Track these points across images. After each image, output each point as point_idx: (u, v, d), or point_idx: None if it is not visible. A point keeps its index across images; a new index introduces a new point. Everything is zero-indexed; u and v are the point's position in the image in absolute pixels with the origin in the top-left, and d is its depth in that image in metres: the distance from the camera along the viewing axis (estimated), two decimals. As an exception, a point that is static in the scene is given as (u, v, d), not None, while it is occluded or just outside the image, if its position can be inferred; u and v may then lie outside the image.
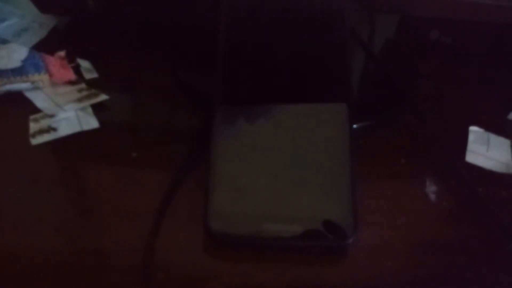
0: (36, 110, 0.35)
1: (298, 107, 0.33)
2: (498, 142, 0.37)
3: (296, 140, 0.32)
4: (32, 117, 0.35)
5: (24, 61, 0.37)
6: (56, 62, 0.38)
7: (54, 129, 0.34)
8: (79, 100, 0.36)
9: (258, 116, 0.32)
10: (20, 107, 0.36)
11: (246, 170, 0.31)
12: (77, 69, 0.39)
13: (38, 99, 0.36)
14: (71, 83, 0.38)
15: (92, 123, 0.35)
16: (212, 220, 0.29)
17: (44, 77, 0.37)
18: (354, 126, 0.34)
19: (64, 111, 0.35)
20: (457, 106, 0.40)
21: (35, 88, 0.37)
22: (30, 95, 0.36)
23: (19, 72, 0.36)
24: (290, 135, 0.32)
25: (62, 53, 0.39)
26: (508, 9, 0.36)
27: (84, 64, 0.39)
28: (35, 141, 0.34)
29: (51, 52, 0.39)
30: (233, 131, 0.32)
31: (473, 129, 0.37)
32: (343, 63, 0.34)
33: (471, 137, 0.37)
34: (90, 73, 0.39)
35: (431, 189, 0.33)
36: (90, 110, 0.36)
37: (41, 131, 0.34)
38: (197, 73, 0.39)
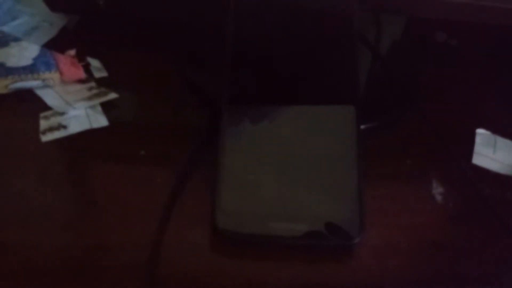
0: (46, 107, 0.36)
1: (305, 108, 0.33)
2: (505, 144, 0.37)
3: (303, 141, 0.32)
4: (42, 114, 0.35)
5: (35, 59, 0.37)
6: (66, 60, 0.38)
7: (64, 127, 0.35)
8: (89, 98, 0.37)
9: (266, 116, 0.33)
10: (30, 104, 0.36)
11: (253, 169, 0.31)
12: (87, 68, 0.39)
13: (49, 97, 0.37)
14: (81, 81, 0.38)
15: (101, 121, 0.35)
16: (219, 218, 0.29)
17: (55, 75, 0.37)
18: (362, 127, 0.34)
19: (74, 109, 0.36)
20: (464, 108, 0.40)
21: (46, 86, 0.37)
22: (41, 93, 0.37)
23: (30, 70, 0.37)
24: (297, 136, 0.32)
25: (72, 52, 0.39)
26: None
27: (94, 63, 0.40)
28: (45, 138, 0.34)
29: (61, 51, 0.39)
30: (241, 131, 0.32)
31: (480, 131, 0.37)
32: (350, 64, 0.34)
33: (478, 140, 0.37)
34: (99, 72, 0.39)
35: (437, 190, 0.33)
36: (99, 108, 0.36)
37: (51, 129, 0.34)
38: (205, 73, 0.40)
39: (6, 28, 0.42)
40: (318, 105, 0.33)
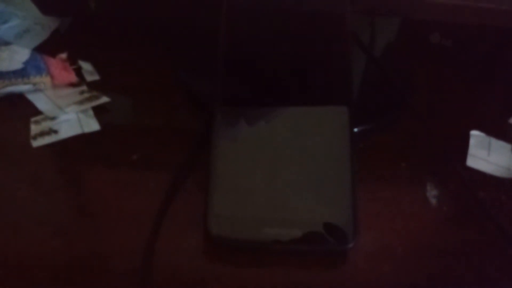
0: (37, 112, 0.36)
1: (298, 109, 0.33)
2: (499, 146, 0.37)
3: (297, 142, 0.32)
4: (33, 119, 0.35)
5: (26, 63, 0.37)
6: (57, 64, 0.38)
7: (55, 131, 0.34)
8: (81, 102, 0.36)
9: (259, 118, 0.32)
10: (21, 109, 0.36)
11: (246, 173, 0.31)
12: (78, 71, 0.39)
13: (40, 101, 0.36)
14: (72, 85, 0.38)
15: (93, 125, 0.35)
16: (212, 224, 0.29)
17: (46, 79, 0.37)
18: (355, 129, 0.34)
19: (65, 113, 0.35)
20: (458, 110, 0.40)
21: (37, 90, 0.37)
22: (32, 97, 0.37)
23: (20, 74, 0.36)
24: (290, 138, 0.32)
25: (63, 55, 0.39)
26: (509, 12, 0.36)
27: (86, 66, 0.39)
28: (36, 143, 0.34)
29: (53, 54, 0.39)
30: (233, 133, 0.32)
31: (474, 133, 0.37)
32: (344, 66, 0.34)
33: (472, 141, 0.37)
34: (91, 75, 0.39)
35: (431, 193, 0.33)
36: (91, 112, 0.36)
37: (42, 133, 0.34)
38: (198, 75, 0.39)
39: (-3, 32, 0.41)
40: (311, 106, 0.33)
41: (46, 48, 0.40)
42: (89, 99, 0.37)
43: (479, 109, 0.40)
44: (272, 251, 0.29)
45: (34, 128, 0.34)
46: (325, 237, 0.28)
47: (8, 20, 0.43)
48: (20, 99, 0.36)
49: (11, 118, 0.35)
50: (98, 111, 0.36)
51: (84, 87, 0.38)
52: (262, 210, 0.29)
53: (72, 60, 0.39)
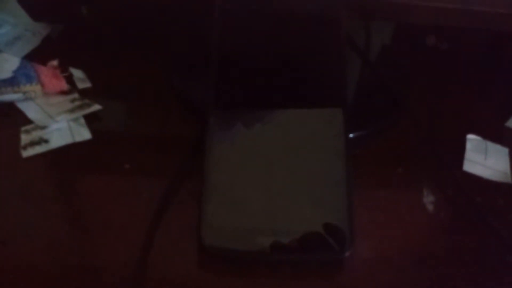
0: (27, 121, 0.35)
1: (293, 112, 0.32)
2: (496, 150, 0.36)
3: (292, 146, 0.31)
4: (23, 128, 0.34)
5: (16, 71, 0.37)
6: (48, 72, 0.37)
7: (46, 141, 0.34)
8: (72, 110, 0.36)
9: (253, 121, 0.32)
10: (11, 118, 0.35)
11: (240, 180, 0.30)
12: (70, 79, 0.38)
13: (30, 110, 0.36)
14: (63, 93, 0.37)
15: (84, 134, 0.35)
16: (206, 234, 0.28)
17: (36, 87, 0.36)
18: (351, 135, 0.33)
19: (56, 122, 0.35)
20: (454, 113, 0.39)
21: (27, 99, 0.36)
22: (22, 106, 0.36)
23: (10, 82, 0.36)
24: (285, 142, 0.31)
25: (54, 62, 0.38)
26: (505, 15, 0.36)
27: (77, 73, 0.39)
28: (26, 153, 0.33)
29: (44, 61, 0.38)
30: (227, 137, 0.31)
31: (471, 137, 0.37)
32: (338, 69, 0.34)
33: (468, 146, 0.36)
34: (83, 83, 0.38)
35: (428, 199, 0.33)
36: (82, 120, 0.35)
37: (32, 143, 0.34)
38: (191, 81, 0.39)
39: (-14, 40, 0.41)
40: (306, 109, 0.32)
41: (37, 55, 0.40)
42: (80, 107, 0.36)
43: (475, 112, 0.40)
44: (267, 261, 0.29)
45: (24, 138, 0.34)
46: (321, 246, 0.28)
47: (-1, 27, 0.43)
48: (10, 108, 0.36)
49: (0, 127, 0.35)
50: (90, 119, 0.36)
51: (76, 95, 0.37)
52: (256, 219, 0.29)
53: (63, 68, 0.38)
